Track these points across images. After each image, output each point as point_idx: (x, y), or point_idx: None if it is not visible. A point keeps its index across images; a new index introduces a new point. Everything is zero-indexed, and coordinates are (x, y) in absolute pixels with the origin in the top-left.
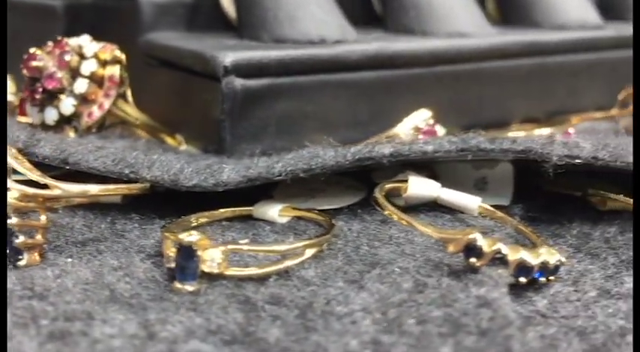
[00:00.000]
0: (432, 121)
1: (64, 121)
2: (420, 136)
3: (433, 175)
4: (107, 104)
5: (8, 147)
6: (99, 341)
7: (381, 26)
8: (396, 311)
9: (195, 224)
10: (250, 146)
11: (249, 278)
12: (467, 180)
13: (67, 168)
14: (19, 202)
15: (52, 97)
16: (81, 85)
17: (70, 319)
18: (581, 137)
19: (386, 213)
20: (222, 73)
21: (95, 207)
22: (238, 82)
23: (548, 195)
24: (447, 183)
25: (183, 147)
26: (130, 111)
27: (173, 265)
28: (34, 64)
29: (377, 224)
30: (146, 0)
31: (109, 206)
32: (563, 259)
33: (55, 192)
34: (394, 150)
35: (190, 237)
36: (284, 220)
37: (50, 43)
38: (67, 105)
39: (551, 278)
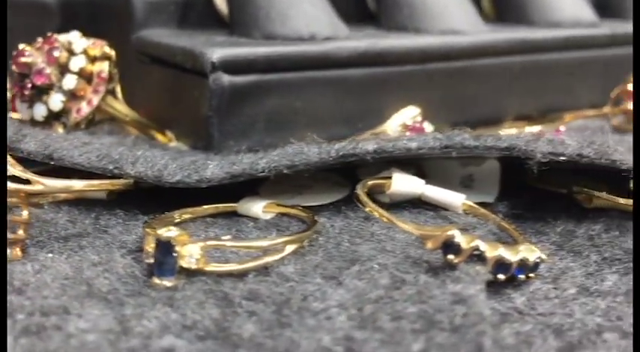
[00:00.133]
0: (419, 118)
1: (53, 117)
2: (408, 133)
3: (420, 172)
4: (96, 100)
5: None
6: (73, 336)
7: (375, 24)
8: (372, 308)
9: (179, 220)
10: (238, 142)
11: (229, 274)
12: (454, 177)
13: (52, 163)
14: None
15: (40, 93)
16: (70, 81)
17: (46, 314)
18: (572, 135)
19: (367, 209)
20: (209, 70)
21: (80, 202)
22: (226, 79)
23: (535, 192)
24: (434, 180)
25: (173, 143)
26: (119, 107)
27: (152, 260)
28: (23, 60)
29: (360, 220)
30: None
31: (94, 202)
32: (543, 256)
33: (37, 187)
34: (378, 146)
35: (169, 232)
36: (268, 217)
37: (40, 39)
38: (56, 101)
39: (531, 275)
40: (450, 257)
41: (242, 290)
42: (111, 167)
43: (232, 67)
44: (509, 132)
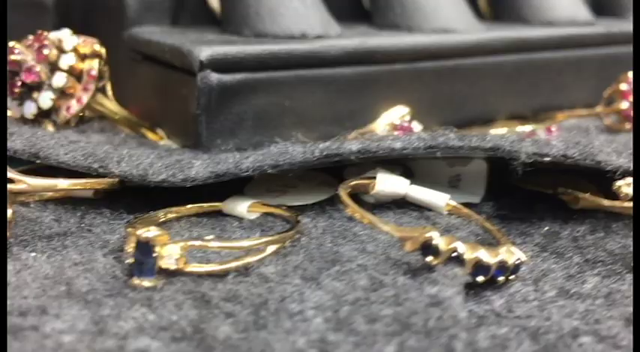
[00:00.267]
0: (408, 118)
1: (43, 115)
2: (396, 133)
3: (408, 172)
4: (86, 98)
5: None
6: (48, 337)
7: (369, 22)
8: (348, 310)
9: (164, 219)
10: (227, 141)
11: (209, 275)
12: (441, 177)
13: (38, 162)
14: None
15: (30, 91)
16: (59, 79)
17: (24, 314)
18: (563, 134)
19: (348, 211)
20: (197, 68)
21: (67, 201)
22: (214, 77)
23: (522, 192)
24: (421, 179)
25: (164, 141)
26: (109, 105)
27: (132, 260)
28: (13, 57)
29: (344, 221)
30: None
31: (80, 200)
32: (524, 258)
33: (21, 186)
34: (362, 146)
35: (148, 232)
36: (253, 216)
37: (30, 37)
38: (46, 99)
39: (512, 277)
40: (429, 258)
41: (221, 290)
42: (96, 166)
43: (221, 65)
44: (499, 132)
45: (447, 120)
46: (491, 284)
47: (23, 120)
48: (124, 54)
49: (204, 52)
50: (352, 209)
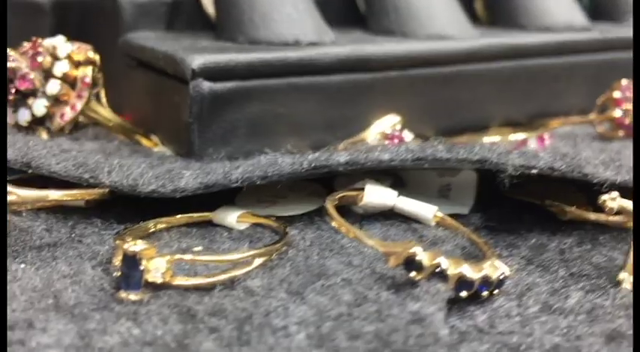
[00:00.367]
0: (399, 127)
1: (37, 122)
2: (387, 142)
3: (399, 181)
4: (79, 105)
5: None
6: (34, 351)
7: (365, 27)
8: (331, 326)
9: (154, 229)
10: (219, 149)
11: (195, 288)
12: (432, 187)
13: (30, 171)
14: None
15: (25, 98)
16: (53, 86)
17: (12, 327)
18: (555, 142)
19: (334, 224)
20: (190, 77)
21: (59, 210)
22: (206, 85)
23: (512, 202)
24: (412, 189)
25: (158, 148)
26: (103, 112)
27: (119, 273)
28: (8, 65)
29: (331, 232)
30: None
31: (72, 209)
32: (508, 273)
33: (11, 197)
34: (350, 158)
35: (135, 246)
36: (242, 227)
37: (25, 44)
38: (39, 106)
39: (496, 291)
40: (412, 274)
41: (207, 304)
42: (87, 176)
43: (213, 73)
44: (492, 140)
45: (441, 127)
46: (475, 298)
47: (17, 127)
48: (119, 58)
49: (197, 61)
50: (338, 222)
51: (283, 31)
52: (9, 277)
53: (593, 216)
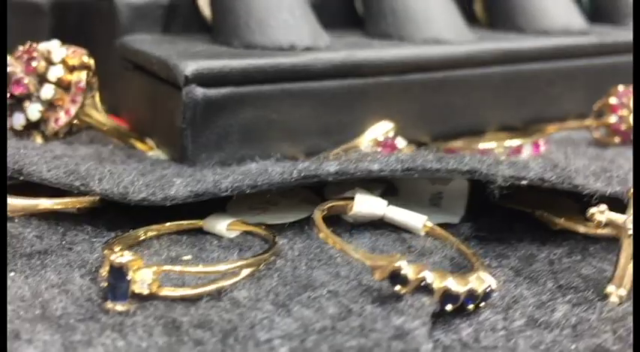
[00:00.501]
0: (392, 134)
1: (32, 126)
2: (379, 149)
3: (392, 188)
4: (74, 110)
5: None
6: None
7: (363, 30)
8: (314, 340)
9: (144, 237)
10: (213, 155)
11: (182, 299)
12: (424, 195)
13: (21, 178)
14: None
15: (19, 102)
16: (47, 91)
17: None
18: (550, 149)
19: (320, 236)
20: (182, 83)
21: (50, 216)
22: (199, 92)
23: (503, 210)
24: (404, 197)
25: (153, 152)
26: (98, 116)
27: (106, 284)
28: None
29: (320, 242)
30: (123, 1)
31: (64, 216)
32: (494, 285)
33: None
34: (340, 168)
35: (122, 257)
36: (232, 235)
37: (20, 48)
38: (34, 110)
39: (482, 304)
40: (397, 288)
41: (192, 316)
42: (77, 184)
43: (206, 80)
44: (488, 145)
45: (436, 132)
46: (461, 311)
47: (13, 131)
48: (116, 60)
49: (190, 67)
50: (325, 234)
51: (279, 36)
52: None
53: (582, 228)
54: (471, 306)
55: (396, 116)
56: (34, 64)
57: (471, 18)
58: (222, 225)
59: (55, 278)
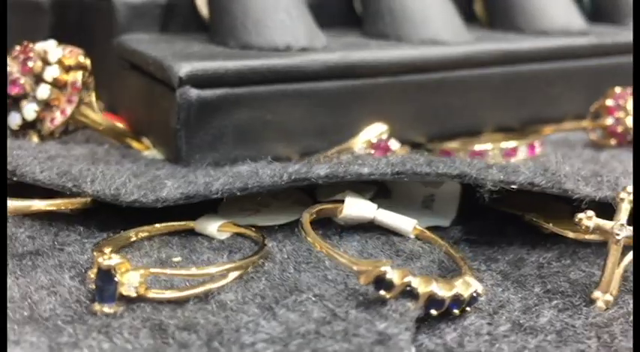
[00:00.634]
0: (385, 136)
1: (28, 126)
2: (372, 151)
3: (384, 190)
4: (69, 110)
5: None
6: None
7: (361, 30)
8: (298, 344)
9: (135, 239)
10: (207, 155)
11: (169, 301)
12: (416, 197)
13: (15, 179)
14: None
15: (16, 102)
16: (43, 91)
17: None
18: (546, 150)
19: (308, 239)
20: (177, 84)
21: (44, 216)
22: (194, 93)
23: (495, 213)
24: (397, 199)
25: (149, 151)
26: (94, 116)
27: (94, 286)
28: None
29: (309, 244)
30: (121, 0)
31: (57, 216)
32: (480, 290)
33: None
34: (330, 171)
35: (110, 260)
36: (223, 236)
37: (17, 48)
38: (30, 110)
39: (468, 309)
40: (382, 293)
41: (179, 319)
42: (70, 185)
43: (200, 81)
44: (484, 147)
45: (433, 133)
46: (446, 315)
47: (9, 130)
48: (114, 60)
49: (184, 69)
50: (312, 238)
51: (275, 37)
52: None
53: (571, 234)
54: (456, 311)
55: (392, 117)
56: (30, 64)
57: (470, 18)
58: (214, 227)
59: (45, 280)
